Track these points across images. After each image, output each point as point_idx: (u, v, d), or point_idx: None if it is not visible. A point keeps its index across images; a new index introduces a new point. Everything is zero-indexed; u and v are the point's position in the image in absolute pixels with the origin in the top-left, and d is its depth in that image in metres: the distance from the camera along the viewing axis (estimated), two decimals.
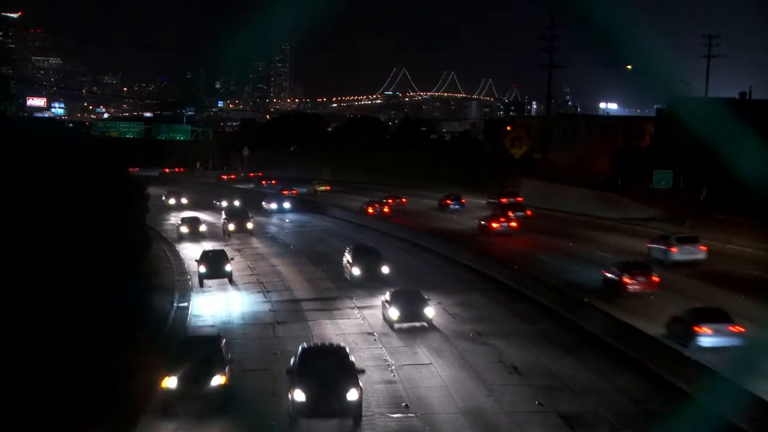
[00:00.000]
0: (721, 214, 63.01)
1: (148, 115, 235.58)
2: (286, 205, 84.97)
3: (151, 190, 71.90)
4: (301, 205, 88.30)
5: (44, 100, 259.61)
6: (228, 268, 47.24)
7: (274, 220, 79.54)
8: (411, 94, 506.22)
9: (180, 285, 47.94)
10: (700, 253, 48.18)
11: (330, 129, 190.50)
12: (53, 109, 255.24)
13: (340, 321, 38.49)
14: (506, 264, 47.54)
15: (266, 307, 42.11)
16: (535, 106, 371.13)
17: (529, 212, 70.08)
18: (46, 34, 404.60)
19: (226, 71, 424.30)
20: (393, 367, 30.51)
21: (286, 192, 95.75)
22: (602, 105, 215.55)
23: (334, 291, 45.32)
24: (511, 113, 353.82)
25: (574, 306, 36.43)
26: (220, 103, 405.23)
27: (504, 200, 77.29)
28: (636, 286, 40.33)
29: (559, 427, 24.50)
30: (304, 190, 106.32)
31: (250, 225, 67.34)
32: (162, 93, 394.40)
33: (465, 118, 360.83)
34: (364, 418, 25.08)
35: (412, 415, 25.51)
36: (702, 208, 67.36)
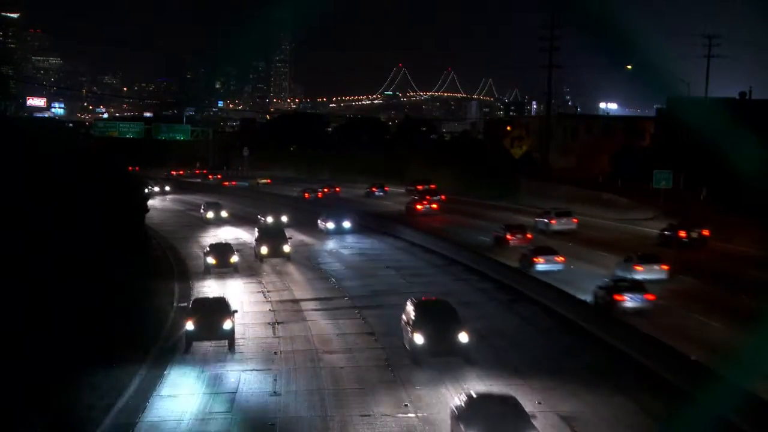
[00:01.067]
0: (720, 214, 63.01)
1: (148, 115, 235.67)
2: (346, 224, 67.38)
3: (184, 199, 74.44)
4: (366, 220, 71.27)
5: (44, 100, 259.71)
6: (227, 325, 33.38)
7: (331, 244, 62.58)
8: (411, 94, 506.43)
9: (180, 285, 47.91)
10: (573, 224, 62.47)
11: (330, 129, 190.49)
12: (53, 109, 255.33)
13: None
14: (431, 232, 62.38)
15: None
16: (535, 106, 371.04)
17: (443, 197, 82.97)
18: (46, 34, 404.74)
19: (226, 71, 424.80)
20: (393, 367, 30.51)
21: (226, 184, 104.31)
22: (602, 105, 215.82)
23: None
24: (511, 113, 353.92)
25: (474, 257, 51.40)
26: (220, 103, 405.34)
27: (419, 187, 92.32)
28: (515, 241, 55.07)
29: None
30: (246, 183, 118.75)
31: (287, 248, 53.99)
32: (162, 93, 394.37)
33: (465, 118, 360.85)
34: (364, 418, 25.15)
35: (412, 415, 25.51)
36: (702, 208, 67.36)
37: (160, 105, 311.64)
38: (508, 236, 55.93)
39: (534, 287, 41.41)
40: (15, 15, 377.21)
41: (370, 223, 70.72)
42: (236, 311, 35.37)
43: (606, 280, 39.76)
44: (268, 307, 41.87)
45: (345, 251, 59.50)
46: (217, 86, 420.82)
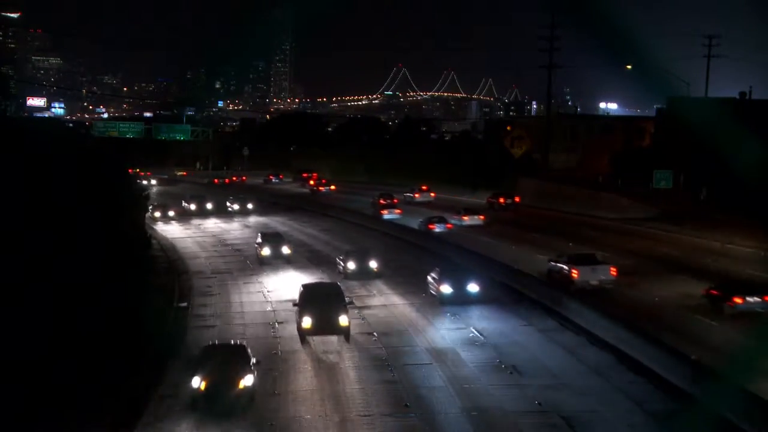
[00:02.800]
0: (720, 214, 63.01)
1: (148, 115, 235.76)
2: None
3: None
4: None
5: (44, 100, 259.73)
6: (246, 381, 26.11)
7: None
8: (411, 94, 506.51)
9: (180, 285, 47.93)
10: (479, 221, 70.11)
11: (330, 129, 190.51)
12: (53, 109, 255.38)
13: None
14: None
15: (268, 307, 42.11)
16: (535, 106, 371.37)
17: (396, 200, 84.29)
18: (46, 34, 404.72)
19: (226, 71, 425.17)
20: (393, 367, 30.50)
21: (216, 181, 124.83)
22: (602, 105, 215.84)
23: None
24: (511, 113, 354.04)
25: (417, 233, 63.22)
26: (220, 103, 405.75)
27: (417, 195, 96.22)
28: (437, 230, 63.81)
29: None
30: (165, 176, 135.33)
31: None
32: (162, 93, 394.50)
33: (465, 118, 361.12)
34: (364, 418, 25.17)
35: (412, 415, 25.51)
36: (702, 208, 67.36)
37: (160, 105, 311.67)
38: (431, 225, 64.46)
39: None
40: (15, 15, 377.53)
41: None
42: (259, 362, 27.81)
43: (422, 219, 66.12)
44: (268, 307, 41.90)
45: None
46: (217, 86, 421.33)
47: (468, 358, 30.77)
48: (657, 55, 67.21)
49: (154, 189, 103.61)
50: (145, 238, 58.60)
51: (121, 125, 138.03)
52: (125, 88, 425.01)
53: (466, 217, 69.67)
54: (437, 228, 64.07)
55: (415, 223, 66.70)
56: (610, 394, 26.63)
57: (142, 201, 64.19)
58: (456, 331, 34.85)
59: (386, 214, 73.38)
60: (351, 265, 46.29)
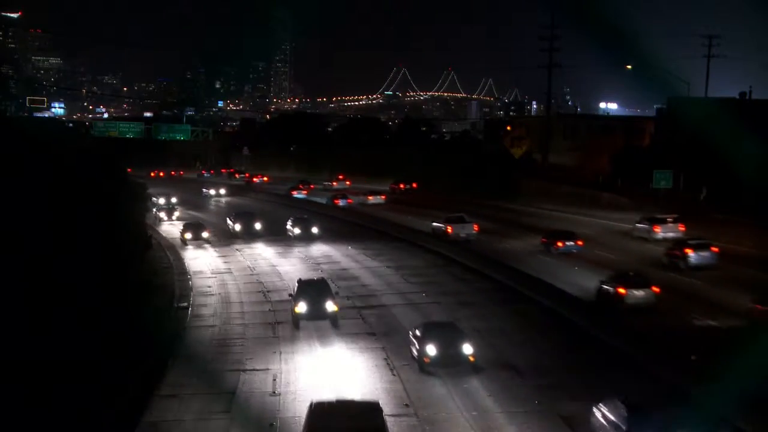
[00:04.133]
0: (720, 214, 63.00)
1: (148, 115, 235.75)
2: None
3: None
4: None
5: (44, 100, 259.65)
6: None
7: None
8: (411, 94, 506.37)
9: (180, 285, 47.91)
10: (381, 200, 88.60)
11: (330, 129, 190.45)
12: (53, 109, 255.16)
13: None
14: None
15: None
16: (535, 106, 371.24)
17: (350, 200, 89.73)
18: (46, 34, 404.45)
19: (226, 71, 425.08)
20: (393, 367, 30.50)
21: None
22: (602, 105, 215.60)
23: None
24: (511, 113, 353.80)
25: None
26: (220, 103, 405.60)
27: (335, 183, 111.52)
28: (341, 204, 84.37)
29: None
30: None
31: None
32: (162, 93, 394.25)
33: (465, 118, 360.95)
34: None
35: (413, 414, 25.51)
36: (701, 208, 67.34)
37: (160, 105, 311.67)
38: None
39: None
40: (15, 15, 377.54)
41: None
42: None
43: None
44: (268, 307, 41.89)
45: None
46: (217, 86, 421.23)
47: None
48: (657, 55, 67.23)
49: (174, 199, 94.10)
50: (146, 237, 58.58)
51: (121, 125, 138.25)
52: (125, 88, 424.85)
53: (370, 197, 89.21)
54: (341, 202, 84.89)
55: (323, 200, 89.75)
56: (478, 293, 43.29)
57: (141, 200, 64.24)
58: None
59: (295, 194, 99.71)
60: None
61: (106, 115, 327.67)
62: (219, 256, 58.63)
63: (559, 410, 25.54)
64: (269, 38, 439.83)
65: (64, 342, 27.83)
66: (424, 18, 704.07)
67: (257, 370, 30.76)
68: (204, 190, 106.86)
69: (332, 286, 40.79)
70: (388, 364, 31.02)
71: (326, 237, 64.05)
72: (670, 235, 54.53)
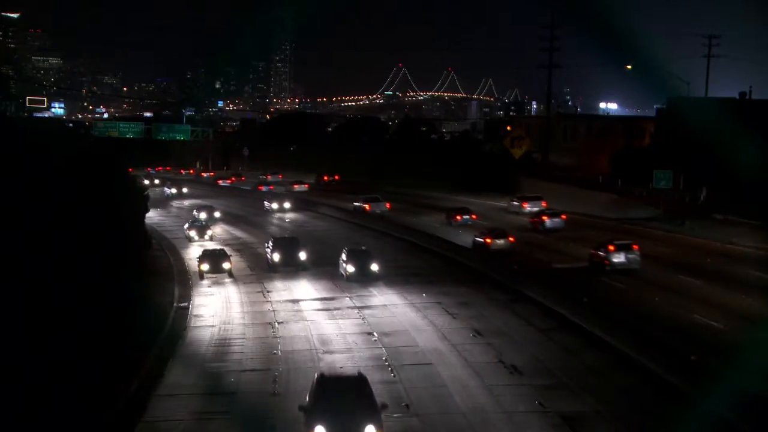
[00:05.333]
0: (720, 214, 63.04)
1: (148, 115, 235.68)
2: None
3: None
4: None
5: (44, 100, 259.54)
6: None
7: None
8: (411, 94, 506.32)
9: (180, 285, 47.88)
10: (305, 189, 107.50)
11: (330, 129, 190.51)
12: (53, 109, 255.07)
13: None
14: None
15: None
16: (535, 106, 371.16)
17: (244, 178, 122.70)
18: (46, 34, 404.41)
19: (226, 71, 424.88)
20: (393, 367, 30.50)
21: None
22: (602, 105, 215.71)
23: None
24: (511, 113, 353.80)
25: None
26: (220, 103, 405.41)
27: (269, 177, 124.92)
28: (264, 189, 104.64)
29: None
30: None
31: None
32: (162, 93, 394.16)
33: (465, 118, 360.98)
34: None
35: (413, 414, 25.49)
36: (701, 208, 67.37)
37: (160, 105, 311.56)
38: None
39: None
40: (15, 15, 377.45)
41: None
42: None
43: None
44: (268, 307, 41.89)
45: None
46: (217, 86, 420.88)
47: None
48: (657, 55, 67.16)
49: (187, 203, 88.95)
50: (145, 237, 58.55)
51: (121, 125, 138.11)
52: (125, 88, 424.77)
53: (296, 186, 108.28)
54: (264, 188, 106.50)
55: (248, 186, 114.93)
56: (396, 250, 58.31)
57: (141, 200, 63.94)
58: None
59: (221, 183, 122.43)
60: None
61: (106, 115, 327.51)
62: (235, 302, 43.82)
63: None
64: (269, 38, 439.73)
65: (64, 342, 27.82)
66: (424, 18, 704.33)
67: (257, 370, 30.76)
68: (266, 203, 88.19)
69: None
70: (387, 364, 31.08)
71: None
72: (535, 209, 70.51)
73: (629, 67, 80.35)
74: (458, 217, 69.46)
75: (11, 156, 33.55)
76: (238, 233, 71.60)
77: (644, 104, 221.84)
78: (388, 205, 78.89)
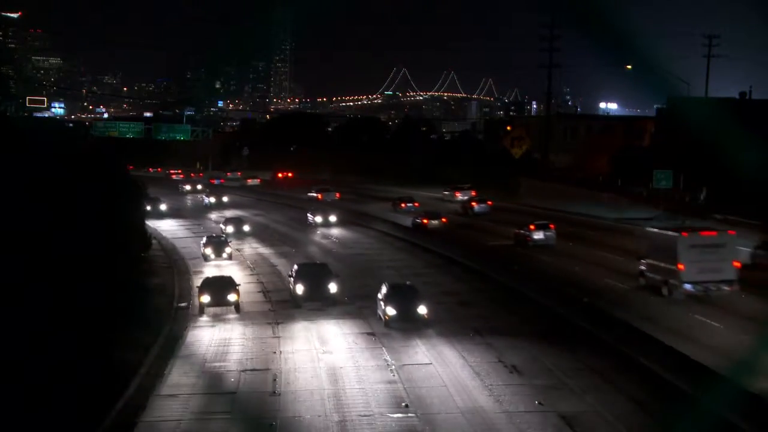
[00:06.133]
0: (720, 214, 63.05)
1: (148, 115, 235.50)
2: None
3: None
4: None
5: (44, 100, 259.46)
6: None
7: None
8: (411, 94, 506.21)
9: (180, 285, 47.87)
10: (257, 183, 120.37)
11: (330, 129, 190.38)
12: (53, 109, 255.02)
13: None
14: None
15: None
16: (535, 106, 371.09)
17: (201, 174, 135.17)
18: (46, 34, 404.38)
19: (226, 71, 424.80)
20: (393, 367, 30.49)
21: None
22: (602, 105, 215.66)
23: None
24: (511, 113, 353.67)
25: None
26: (220, 103, 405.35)
27: (228, 174, 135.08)
28: (216, 183, 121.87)
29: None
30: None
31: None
32: (162, 93, 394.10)
33: (465, 118, 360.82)
34: (364, 418, 25.18)
35: (412, 415, 25.50)
36: (701, 208, 67.37)
37: (160, 105, 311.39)
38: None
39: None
40: (15, 15, 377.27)
41: None
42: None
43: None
44: (268, 307, 41.88)
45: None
46: (217, 86, 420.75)
47: None
48: (657, 55, 67.18)
49: (246, 227, 69.12)
50: (145, 237, 58.55)
51: (121, 125, 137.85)
52: (125, 88, 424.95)
53: (249, 180, 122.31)
54: (216, 182, 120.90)
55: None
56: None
57: (141, 200, 63.86)
58: None
59: (174, 176, 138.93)
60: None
61: (106, 115, 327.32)
62: (236, 345, 34.87)
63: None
64: (269, 38, 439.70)
65: (63, 342, 27.80)
66: (424, 18, 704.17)
67: (257, 370, 30.76)
68: (309, 215, 74.90)
69: None
70: (387, 364, 31.05)
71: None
72: (466, 198, 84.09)
73: (629, 67, 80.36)
74: (403, 205, 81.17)
75: (10, 156, 33.55)
76: (268, 253, 60.04)
77: (644, 104, 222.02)
78: (337, 195, 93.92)
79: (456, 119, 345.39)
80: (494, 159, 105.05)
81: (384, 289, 37.27)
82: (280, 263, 54.72)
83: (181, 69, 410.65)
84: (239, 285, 41.46)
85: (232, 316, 39.39)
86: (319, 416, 25.40)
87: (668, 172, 69.99)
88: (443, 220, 68.56)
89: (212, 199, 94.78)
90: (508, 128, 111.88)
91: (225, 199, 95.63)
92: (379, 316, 37.00)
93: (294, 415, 25.55)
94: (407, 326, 35.67)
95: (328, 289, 41.01)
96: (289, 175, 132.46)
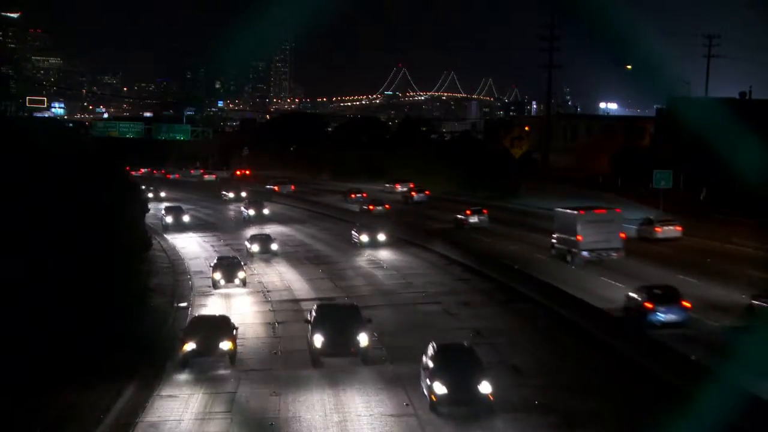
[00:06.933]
0: (720, 214, 63.01)
1: (148, 115, 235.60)
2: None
3: None
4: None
5: (44, 100, 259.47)
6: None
7: None
8: (411, 94, 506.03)
9: (180, 285, 47.89)
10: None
11: (330, 129, 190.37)
12: (53, 109, 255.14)
13: None
14: None
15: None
16: (535, 106, 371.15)
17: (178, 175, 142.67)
18: (46, 34, 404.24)
19: (226, 71, 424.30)
20: (393, 367, 30.47)
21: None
22: (602, 105, 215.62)
23: None
24: (511, 113, 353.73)
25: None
26: (220, 103, 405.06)
27: (192, 171, 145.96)
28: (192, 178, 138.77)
29: None
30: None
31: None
32: (162, 93, 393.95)
33: (465, 118, 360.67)
34: (364, 418, 25.15)
35: (413, 414, 25.48)
36: (701, 208, 67.36)
37: (160, 105, 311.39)
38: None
39: None
40: (15, 15, 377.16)
41: None
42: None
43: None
44: (268, 307, 41.86)
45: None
46: (217, 86, 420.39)
47: None
48: (657, 55, 67.22)
49: (274, 246, 58.34)
50: (145, 237, 58.55)
51: (121, 125, 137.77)
52: (125, 88, 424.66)
53: (206, 176, 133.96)
54: (171, 176, 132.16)
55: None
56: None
57: (140, 199, 63.99)
58: None
59: (136, 173, 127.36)
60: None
61: (106, 115, 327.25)
62: None
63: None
64: (269, 38, 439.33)
65: (63, 342, 27.81)
66: (424, 18, 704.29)
67: (257, 370, 30.73)
68: (354, 233, 62.07)
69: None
70: (388, 363, 31.00)
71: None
72: (404, 189, 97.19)
73: (629, 67, 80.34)
74: (352, 196, 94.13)
75: (10, 156, 33.56)
76: (294, 279, 49.38)
77: (644, 104, 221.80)
78: (293, 187, 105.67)
79: (456, 119, 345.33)
80: (494, 159, 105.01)
81: (431, 351, 26.58)
82: (305, 291, 45.59)
83: (181, 69, 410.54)
84: (237, 328, 32.55)
85: (223, 372, 30.36)
86: None
87: (668, 172, 69.96)
88: (386, 206, 79.69)
89: (252, 212, 78.55)
90: (509, 128, 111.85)
91: (266, 211, 78.96)
92: (423, 390, 26.48)
93: None
94: (464, 411, 25.27)
95: (357, 342, 30.49)
96: (246, 173, 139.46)
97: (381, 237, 60.18)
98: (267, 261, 55.56)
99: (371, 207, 79.56)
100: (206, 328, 31.30)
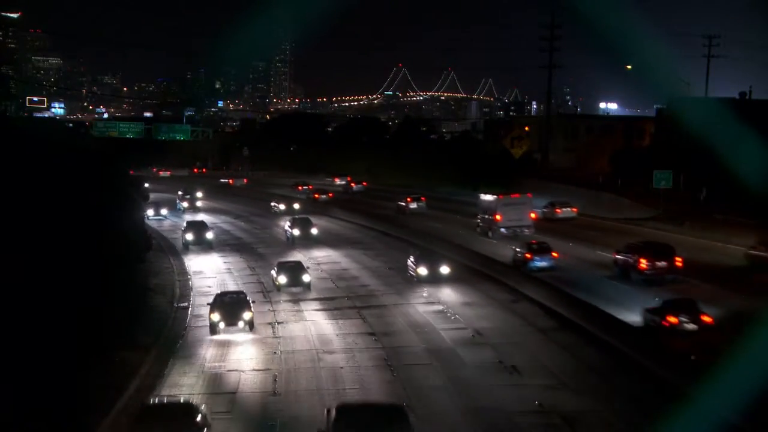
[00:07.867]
0: (720, 214, 62.98)
1: (148, 115, 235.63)
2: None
3: None
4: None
5: (44, 100, 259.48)
6: None
7: None
8: (411, 94, 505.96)
9: (180, 285, 47.91)
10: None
11: (330, 129, 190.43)
12: (53, 109, 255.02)
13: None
14: None
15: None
16: (535, 106, 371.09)
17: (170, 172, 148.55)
18: (46, 34, 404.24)
19: (226, 71, 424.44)
20: (393, 367, 30.50)
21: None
22: (602, 105, 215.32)
23: None
24: (511, 113, 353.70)
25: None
26: (220, 103, 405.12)
27: (160, 173, 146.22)
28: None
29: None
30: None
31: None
32: (162, 93, 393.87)
33: (465, 118, 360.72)
34: None
35: (412, 414, 25.45)
36: (701, 208, 67.32)
37: (160, 105, 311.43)
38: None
39: None
40: (15, 15, 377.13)
41: None
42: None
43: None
44: (268, 307, 41.87)
45: None
46: (217, 86, 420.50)
47: None
48: (657, 55, 67.22)
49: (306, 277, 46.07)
50: (145, 237, 58.54)
51: (121, 125, 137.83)
52: (125, 88, 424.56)
53: (169, 173, 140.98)
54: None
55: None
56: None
57: (140, 199, 63.95)
58: None
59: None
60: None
61: (106, 115, 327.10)
62: None
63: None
64: (269, 38, 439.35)
65: (63, 342, 27.81)
66: (424, 18, 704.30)
67: (257, 370, 30.75)
68: (410, 263, 48.46)
69: None
70: (389, 364, 31.03)
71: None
72: (343, 182, 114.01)
73: (629, 67, 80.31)
74: (300, 188, 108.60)
75: (10, 156, 33.54)
76: (324, 323, 38.42)
77: (644, 104, 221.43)
78: (245, 180, 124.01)
79: (456, 119, 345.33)
80: (494, 159, 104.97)
81: None
82: (327, 351, 33.19)
83: (181, 69, 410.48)
84: (208, 417, 23.35)
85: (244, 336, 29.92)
86: None
87: (668, 172, 69.91)
88: (330, 195, 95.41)
89: (296, 232, 63.58)
90: (509, 129, 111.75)
91: (314, 231, 63.90)
92: None
93: None
94: None
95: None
96: (203, 171, 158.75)
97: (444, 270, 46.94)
98: (296, 300, 43.04)
99: (316, 196, 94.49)
100: (165, 417, 22.80)
